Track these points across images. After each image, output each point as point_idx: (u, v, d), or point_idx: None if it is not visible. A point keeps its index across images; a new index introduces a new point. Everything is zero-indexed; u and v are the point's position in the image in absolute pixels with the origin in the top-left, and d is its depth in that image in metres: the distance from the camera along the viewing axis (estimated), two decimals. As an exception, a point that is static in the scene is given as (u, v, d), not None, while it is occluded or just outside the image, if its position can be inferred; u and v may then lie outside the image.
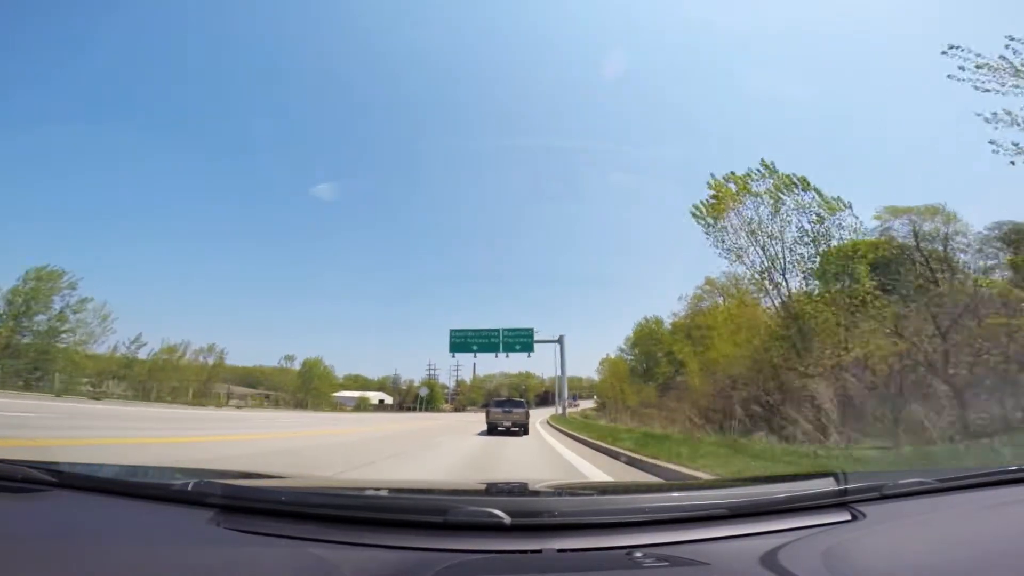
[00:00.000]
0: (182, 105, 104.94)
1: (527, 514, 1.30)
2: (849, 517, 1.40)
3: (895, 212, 19.69)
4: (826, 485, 1.51)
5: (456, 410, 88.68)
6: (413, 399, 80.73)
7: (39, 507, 1.41)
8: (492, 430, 18.68)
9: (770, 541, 1.20)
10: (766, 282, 17.44)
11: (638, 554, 1.13)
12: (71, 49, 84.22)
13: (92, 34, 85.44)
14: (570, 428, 22.41)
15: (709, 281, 38.84)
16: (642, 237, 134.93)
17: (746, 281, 18.45)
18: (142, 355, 37.72)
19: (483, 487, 2.06)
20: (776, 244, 16.86)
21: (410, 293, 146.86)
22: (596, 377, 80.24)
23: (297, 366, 62.53)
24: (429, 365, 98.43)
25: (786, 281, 16.79)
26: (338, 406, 62.33)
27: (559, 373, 47.10)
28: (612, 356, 55.17)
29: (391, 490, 1.98)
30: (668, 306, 59.90)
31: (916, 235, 18.90)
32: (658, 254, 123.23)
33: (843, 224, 16.66)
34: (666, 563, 1.09)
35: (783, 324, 17.08)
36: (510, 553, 1.15)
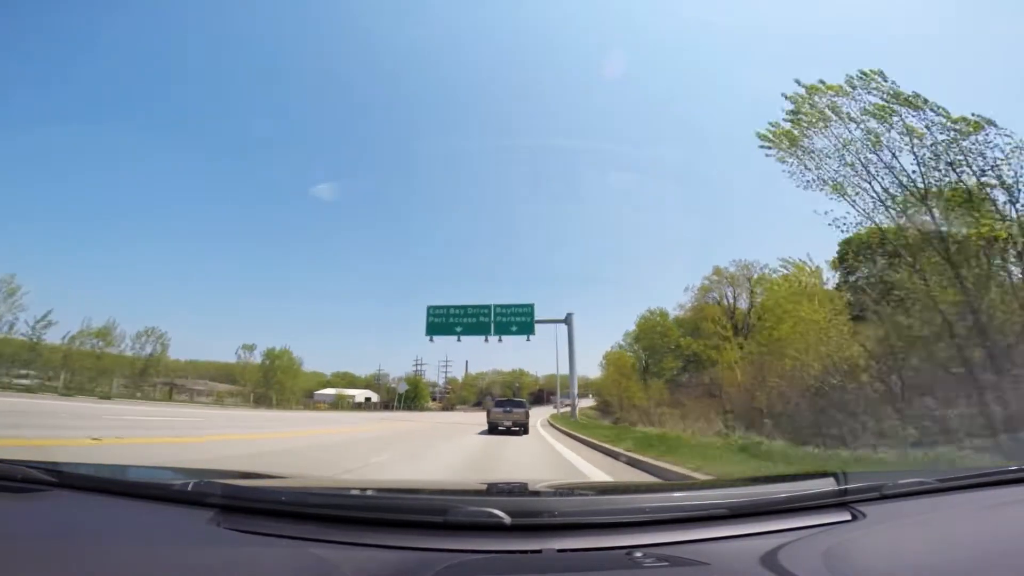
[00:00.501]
0: (181, 105, 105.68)
1: (527, 514, 1.30)
2: (849, 517, 1.40)
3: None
4: (826, 485, 1.51)
5: (444, 409, 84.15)
6: (406, 398, 76.48)
7: (39, 507, 1.40)
8: (493, 429, 19.15)
9: (770, 541, 1.20)
10: (891, 215, 12.79)
11: (638, 554, 1.13)
12: (71, 49, 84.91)
13: (92, 35, 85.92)
14: (596, 437, 14.83)
15: (717, 271, 38.32)
16: (639, 236, 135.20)
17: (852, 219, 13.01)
18: (54, 339, 31.38)
19: (483, 487, 2.05)
20: (906, 158, 12.16)
21: (408, 292, 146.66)
22: (590, 376, 78.19)
23: (258, 358, 54.28)
24: (416, 360, 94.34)
25: (932, 213, 12.26)
26: (314, 404, 59.11)
27: (567, 360, 37.64)
28: (615, 350, 49.44)
29: (391, 490, 1.98)
30: (664, 301, 57.57)
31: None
32: (655, 252, 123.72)
33: (990, 143, 11.89)
34: (666, 563, 1.09)
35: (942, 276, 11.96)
36: (510, 553, 1.15)
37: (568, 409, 49.35)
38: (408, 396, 75.57)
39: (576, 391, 37.23)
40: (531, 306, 35.08)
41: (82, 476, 1.62)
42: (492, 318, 34.48)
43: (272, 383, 50.33)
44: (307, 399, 62.72)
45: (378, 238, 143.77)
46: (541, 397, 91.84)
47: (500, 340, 34.62)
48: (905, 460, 7.88)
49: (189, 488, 1.45)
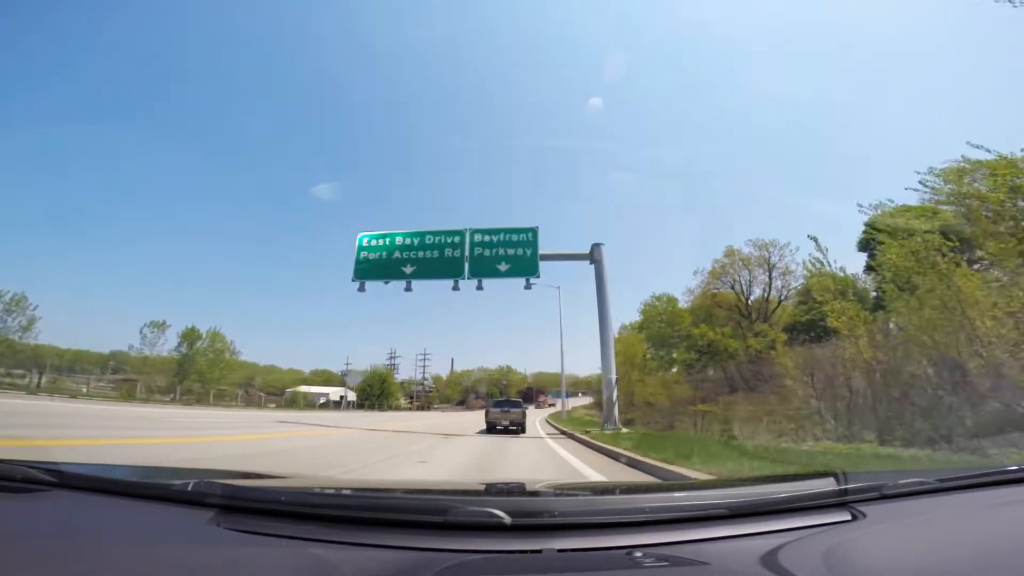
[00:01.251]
0: (181, 105, 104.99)
1: (527, 514, 1.30)
2: (849, 517, 1.40)
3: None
4: (826, 485, 1.51)
5: (421, 408, 76.28)
6: (370, 395, 68.20)
7: (39, 507, 1.40)
8: (491, 428, 19.72)
9: (770, 541, 1.20)
10: None
11: (638, 554, 1.13)
12: (72, 51, 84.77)
13: (92, 34, 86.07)
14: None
15: (730, 252, 35.97)
16: (635, 233, 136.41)
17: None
18: None
19: (483, 487, 2.04)
20: None
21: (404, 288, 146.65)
22: (580, 375, 75.32)
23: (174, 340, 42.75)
24: (390, 352, 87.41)
25: None
26: (263, 401, 50.33)
27: (600, 320, 20.45)
28: (623, 335, 40.41)
29: (391, 490, 1.98)
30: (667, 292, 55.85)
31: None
32: (652, 248, 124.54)
33: None
34: (666, 563, 1.09)
35: None
36: (510, 553, 1.15)
37: (572, 407, 43.44)
38: (373, 393, 68.79)
39: (614, 376, 19.65)
40: (532, 231, 20.52)
41: (82, 476, 1.61)
42: (467, 250, 20.46)
43: (189, 373, 40.40)
44: (277, 395, 57.97)
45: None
46: (530, 396, 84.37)
47: (480, 287, 20.29)
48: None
49: (189, 488, 1.45)
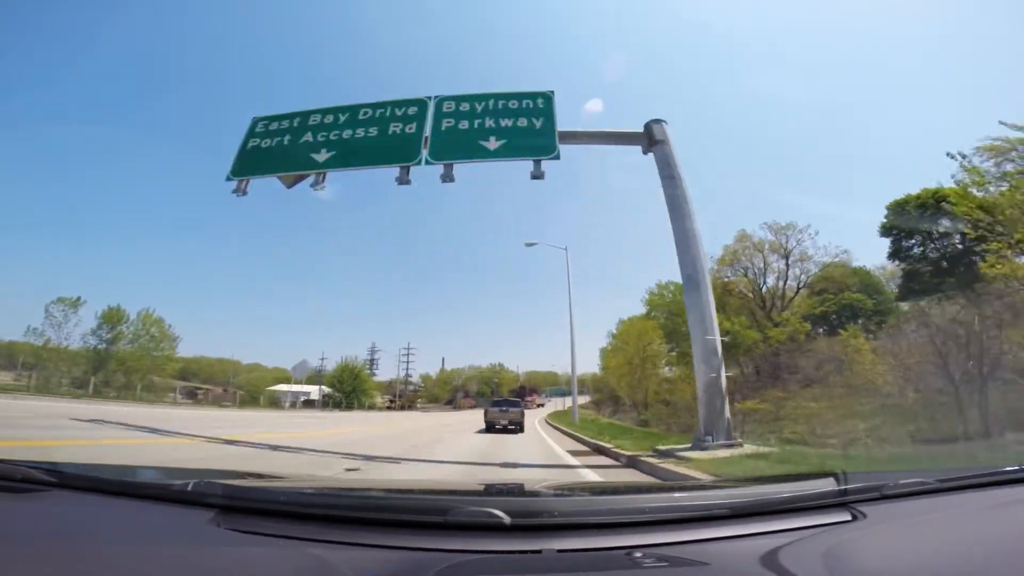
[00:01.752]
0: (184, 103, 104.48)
1: (527, 514, 1.30)
2: (849, 517, 1.40)
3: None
4: (826, 485, 1.51)
5: (402, 408, 69.74)
6: (341, 392, 61.87)
7: (39, 507, 1.40)
8: (490, 427, 20.01)
9: (770, 541, 1.20)
10: None
11: (638, 554, 1.13)
12: (72, 52, 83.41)
13: (93, 35, 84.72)
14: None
15: (741, 236, 33.66)
16: (633, 231, 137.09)
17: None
18: None
19: (483, 487, 2.05)
20: None
21: (408, 286, 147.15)
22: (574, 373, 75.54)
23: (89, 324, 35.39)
24: (371, 348, 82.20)
25: None
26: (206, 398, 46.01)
27: (676, 238, 10.30)
28: (636, 318, 37.27)
29: (391, 490, 1.99)
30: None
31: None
32: (649, 245, 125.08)
33: None
34: (666, 563, 1.09)
35: None
36: (510, 553, 1.15)
37: (568, 407, 39.31)
38: (344, 390, 62.61)
39: (718, 338, 9.60)
40: (545, 96, 11.82)
41: (82, 476, 1.61)
42: (429, 125, 11.60)
43: (108, 362, 34.32)
44: (247, 394, 53.88)
45: (375, 241, 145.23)
46: (521, 395, 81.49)
47: (448, 178, 11.03)
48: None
49: (189, 488, 1.45)
